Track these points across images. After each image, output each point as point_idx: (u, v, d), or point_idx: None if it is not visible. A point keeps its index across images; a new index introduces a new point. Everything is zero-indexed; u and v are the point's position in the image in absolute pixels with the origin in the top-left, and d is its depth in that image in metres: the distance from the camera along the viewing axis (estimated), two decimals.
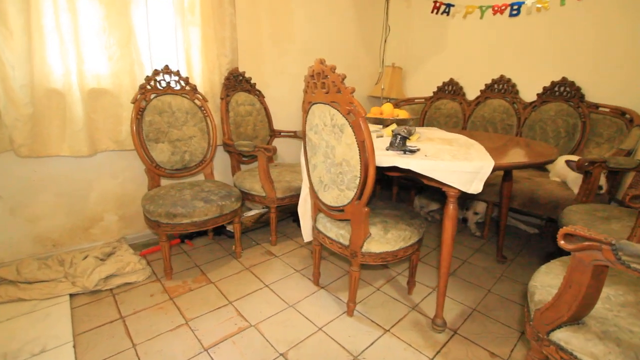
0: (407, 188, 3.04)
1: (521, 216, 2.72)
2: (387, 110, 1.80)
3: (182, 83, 2.07)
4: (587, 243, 0.82)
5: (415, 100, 3.18)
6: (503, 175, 1.96)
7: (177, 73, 2.04)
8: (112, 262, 1.83)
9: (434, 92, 3.13)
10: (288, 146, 2.89)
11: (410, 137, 1.55)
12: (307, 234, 1.83)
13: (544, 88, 2.50)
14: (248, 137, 2.47)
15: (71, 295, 1.65)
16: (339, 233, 1.51)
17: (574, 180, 1.98)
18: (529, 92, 2.60)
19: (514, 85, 2.66)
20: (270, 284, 1.82)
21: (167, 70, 2.00)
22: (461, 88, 2.97)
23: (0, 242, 1.76)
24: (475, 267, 2.04)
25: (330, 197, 1.49)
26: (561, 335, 0.89)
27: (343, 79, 1.23)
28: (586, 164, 1.81)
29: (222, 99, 2.32)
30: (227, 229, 2.27)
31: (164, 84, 2.00)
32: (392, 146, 1.37)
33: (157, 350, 1.34)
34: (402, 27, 3.35)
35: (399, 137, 1.34)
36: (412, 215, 1.60)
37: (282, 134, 2.67)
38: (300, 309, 1.62)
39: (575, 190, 1.93)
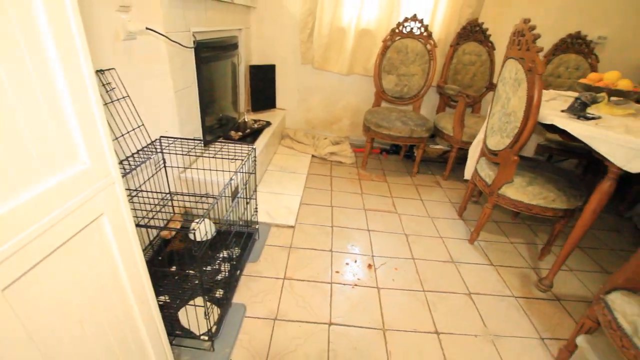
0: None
1: None
2: (611, 78, 1.63)
3: (422, 30, 2.58)
4: None
5: None
6: None
7: (421, 21, 2.55)
8: (337, 147, 2.85)
9: None
10: None
11: (594, 106, 1.47)
12: (468, 172, 2.12)
13: None
14: (463, 84, 2.75)
15: (312, 156, 2.79)
16: (488, 173, 1.77)
17: None
18: None
19: None
20: (424, 200, 2.32)
21: (413, 18, 2.54)
22: None
23: (292, 116, 3.12)
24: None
25: (493, 142, 1.74)
26: None
27: (535, 39, 1.39)
28: None
29: (451, 46, 2.67)
30: (415, 153, 2.84)
31: (408, 29, 2.59)
32: (569, 109, 1.43)
33: (341, 198, 2.23)
34: None
35: (578, 101, 1.38)
36: (572, 186, 1.59)
37: None
38: (435, 222, 2.07)
39: None
